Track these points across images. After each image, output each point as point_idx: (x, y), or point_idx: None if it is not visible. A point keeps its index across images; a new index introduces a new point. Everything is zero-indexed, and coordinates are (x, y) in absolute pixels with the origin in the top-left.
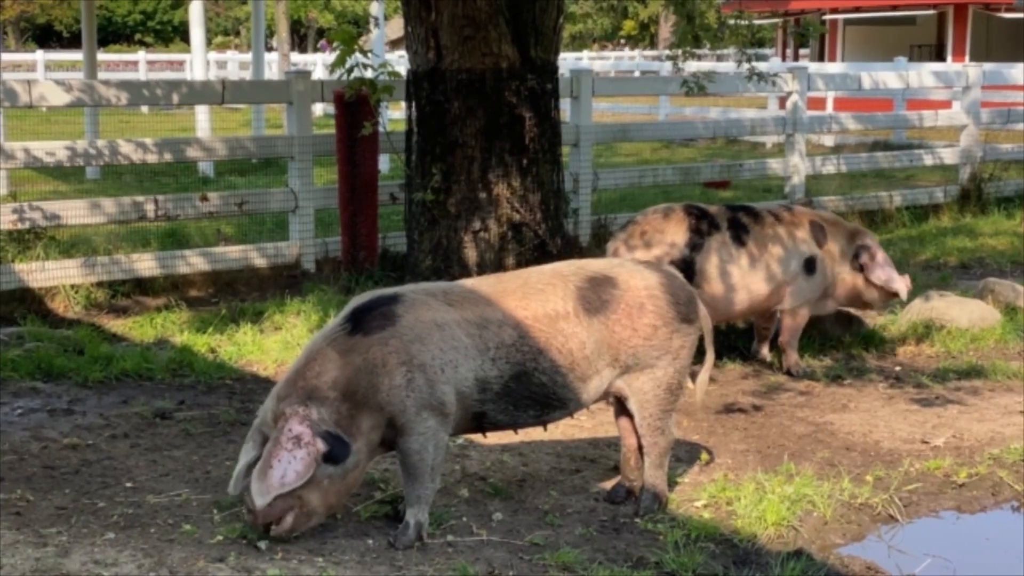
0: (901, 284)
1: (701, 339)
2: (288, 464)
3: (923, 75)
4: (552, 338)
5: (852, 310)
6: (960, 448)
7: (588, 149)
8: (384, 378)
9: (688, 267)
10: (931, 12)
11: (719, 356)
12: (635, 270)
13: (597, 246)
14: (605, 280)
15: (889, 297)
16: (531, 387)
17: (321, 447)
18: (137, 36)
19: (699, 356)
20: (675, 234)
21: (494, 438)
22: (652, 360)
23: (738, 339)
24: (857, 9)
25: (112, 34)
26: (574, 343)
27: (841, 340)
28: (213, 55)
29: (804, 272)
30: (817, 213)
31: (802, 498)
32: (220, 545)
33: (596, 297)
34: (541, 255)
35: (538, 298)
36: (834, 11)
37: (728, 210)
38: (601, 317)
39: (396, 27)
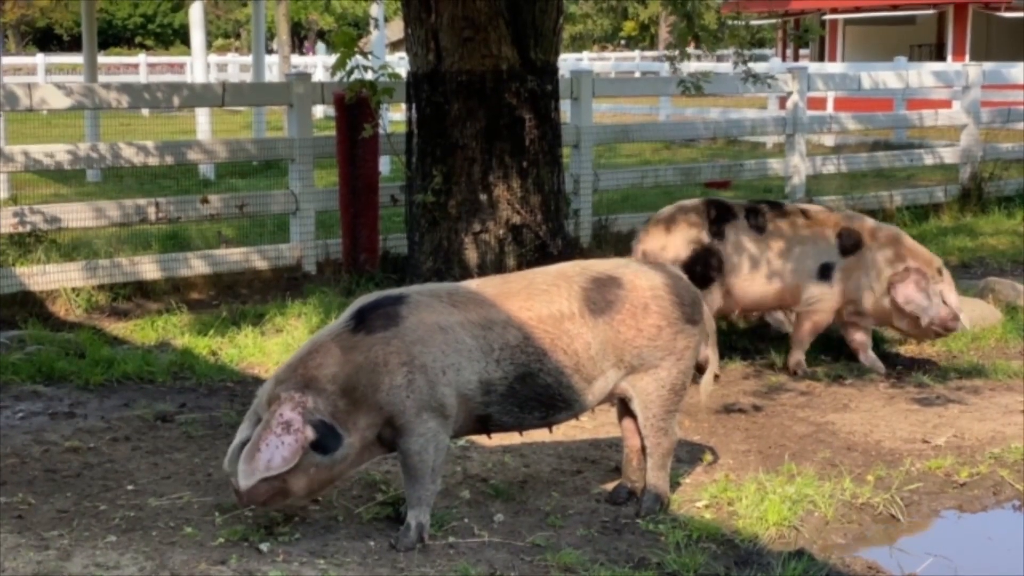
0: (927, 315)
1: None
2: (275, 449)
3: (923, 75)
4: (557, 339)
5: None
6: (961, 447)
7: (589, 150)
8: (385, 378)
9: (705, 259)
10: (931, 12)
11: (720, 356)
12: (640, 270)
13: (598, 247)
14: (610, 281)
15: (923, 328)
16: (536, 388)
17: (310, 435)
18: (137, 39)
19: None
20: (689, 228)
21: (495, 439)
22: (656, 361)
23: (739, 339)
24: (857, 9)
25: (112, 37)
26: (579, 344)
27: (842, 339)
28: (213, 58)
29: (817, 277)
30: (863, 222)
31: (803, 498)
32: (222, 547)
33: (601, 298)
34: (542, 256)
35: (543, 299)
36: (834, 11)
37: (748, 205)
38: (606, 318)
39: (396, 29)
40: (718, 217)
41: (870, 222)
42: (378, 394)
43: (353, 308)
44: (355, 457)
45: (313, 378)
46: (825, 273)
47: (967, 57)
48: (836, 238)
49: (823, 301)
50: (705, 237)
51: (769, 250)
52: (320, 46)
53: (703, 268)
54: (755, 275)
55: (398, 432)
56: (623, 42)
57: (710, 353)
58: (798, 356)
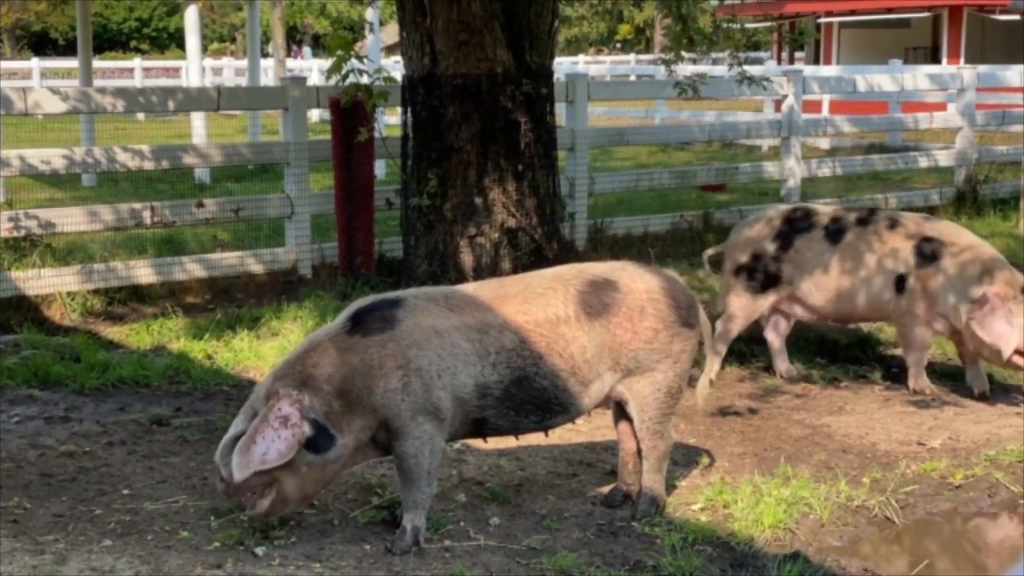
0: (1009, 347)
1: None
2: (272, 443)
3: (918, 77)
4: (553, 342)
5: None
6: (956, 450)
7: (584, 153)
8: (380, 380)
9: (764, 266)
10: (926, 14)
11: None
12: (636, 273)
13: (594, 250)
14: (606, 284)
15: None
16: (532, 392)
17: (307, 431)
18: (133, 43)
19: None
20: (756, 234)
21: (491, 443)
22: (652, 364)
23: (734, 342)
24: (852, 12)
25: (108, 41)
26: (575, 347)
27: (837, 342)
28: (209, 61)
29: (894, 290)
30: (953, 233)
31: (799, 500)
32: (217, 551)
33: (597, 301)
34: (537, 260)
35: (539, 302)
36: (829, 14)
37: (834, 213)
38: (602, 321)
39: (392, 33)
40: (791, 226)
41: (950, 232)
42: (373, 397)
43: (350, 310)
44: (347, 458)
45: (310, 377)
46: (900, 285)
47: (962, 60)
48: (914, 249)
49: (901, 314)
50: (768, 244)
51: (841, 262)
52: (307, 50)
53: (760, 274)
54: (821, 285)
55: (393, 435)
56: (618, 45)
57: (708, 356)
58: (914, 375)
